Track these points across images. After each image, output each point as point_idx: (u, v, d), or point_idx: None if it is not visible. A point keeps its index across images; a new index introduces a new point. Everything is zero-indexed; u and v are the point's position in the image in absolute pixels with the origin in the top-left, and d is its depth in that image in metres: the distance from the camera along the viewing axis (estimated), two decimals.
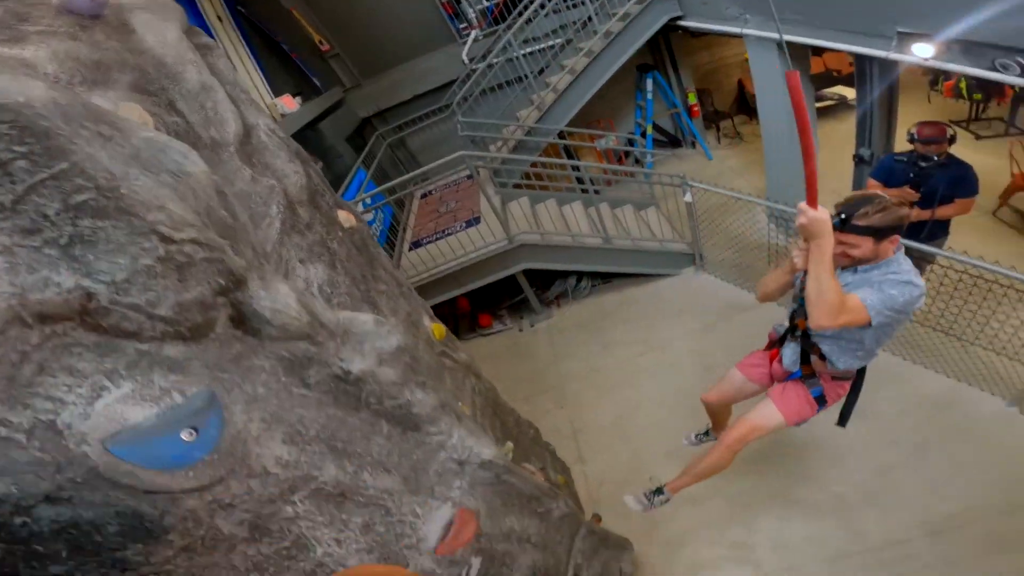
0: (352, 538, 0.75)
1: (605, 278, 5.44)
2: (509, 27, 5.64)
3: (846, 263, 1.64)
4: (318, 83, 6.20)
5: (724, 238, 4.80)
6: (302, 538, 0.69)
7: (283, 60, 5.98)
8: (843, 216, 1.55)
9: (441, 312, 5.61)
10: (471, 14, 6.46)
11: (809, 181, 1.40)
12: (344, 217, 1.29)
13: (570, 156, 6.93)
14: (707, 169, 6.83)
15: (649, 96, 6.95)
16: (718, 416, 2.55)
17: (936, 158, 2.99)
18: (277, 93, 4.90)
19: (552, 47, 5.69)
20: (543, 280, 5.68)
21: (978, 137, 5.98)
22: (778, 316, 4.06)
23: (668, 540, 3.02)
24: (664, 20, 5.00)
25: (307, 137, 5.43)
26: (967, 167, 2.97)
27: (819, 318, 1.50)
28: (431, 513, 0.94)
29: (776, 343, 2.12)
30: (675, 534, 3.04)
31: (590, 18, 5.26)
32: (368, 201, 5.05)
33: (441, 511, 0.97)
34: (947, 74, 6.39)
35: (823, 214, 1.44)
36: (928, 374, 3.35)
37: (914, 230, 3.13)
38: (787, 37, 3.58)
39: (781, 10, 3.59)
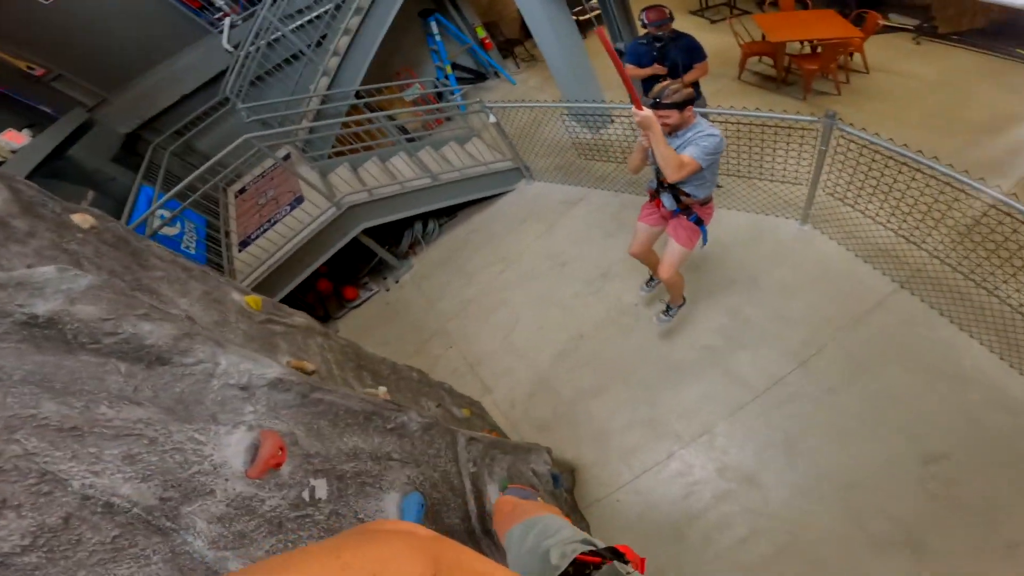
0: (114, 468, 0.78)
1: (450, 214, 5.59)
2: (266, 6, 5.20)
3: (668, 131, 2.39)
4: (48, 110, 5.24)
5: (543, 147, 5.19)
6: (48, 473, 0.71)
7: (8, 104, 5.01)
8: (656, 100, 2.33)
9: (307, 301, 5.45)
10: (219, 2, 5.80)
11: (630, 93, 2.20)
12: (80, 219, 1.28)
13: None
14: (513, 93, 7.19)
15: (438, 38, 6.99)
16: (649, 261, 3.17)
17: (666, 36, 3.56)
18: None
19: (323, 15, 5.38)
20: (394, 237, 5.69)
21: (712, 22, 7.07)
22: (604, 197, 4.69)
23: (593, 437, 3.28)
24: None
25: (59, 169, 4.77)
26: (692, 37, 3.59)
27: (671, 176, 2.33)
28: (221, 439, 0.97)
29: (655, 194, 2.84)
30: (597, 431, 3.30)
31: None
32: (164, 214, 4.55)
33: (235, 436, 1.00)
34: None
35: (646, 111, 2.22)
36: (733, 214, 4.01)
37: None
38: None
39: None
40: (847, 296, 3.27)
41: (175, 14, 5.80)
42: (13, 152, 4.16)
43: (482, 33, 7.51)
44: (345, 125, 5.34)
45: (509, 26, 8.29)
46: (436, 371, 4.14)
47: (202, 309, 1.47)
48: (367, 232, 5.08)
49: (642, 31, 3.68)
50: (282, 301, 4.93)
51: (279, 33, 5.39)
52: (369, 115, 5.14)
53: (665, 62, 3.61)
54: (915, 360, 2.90)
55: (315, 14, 5.48)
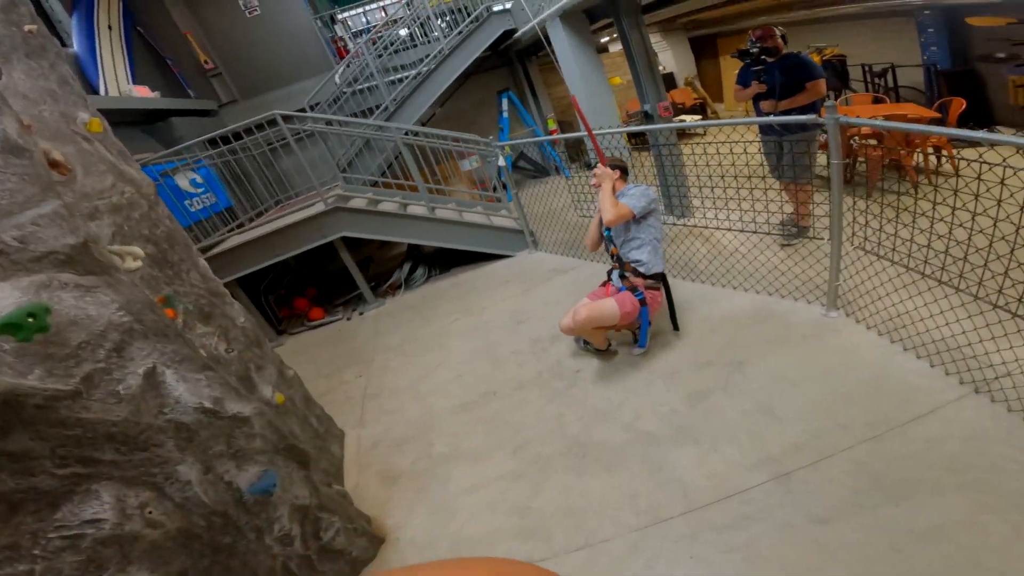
0: None
1: (442, 267, 5.26)
2: (378, 55, 6.20)
3: (615, 189, 2.74)
4: (192, 93, 6.50)
5: (556, 222, 4.97)
6: None
7: (164, 71, 6.45)
8: (610, 166, 2.77)
9: (271, 307, 5.15)
10: (350, 45, 7.13)
11: (596, 150, 2.84)
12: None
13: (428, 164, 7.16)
14: (563, 184, 7.21)
15: (505, 115, 7.44)
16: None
17: (774, 55, 3.40)
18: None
19: (409, 76, 6.21)
20: (385, 275, 5.43)
21: None
22: (596, 268, 4.09)
23: (435, 508, 2.30)
24: (500, 31, 5.70)
25: (155, 125, 5.65)
26: (799, 55, 3.37)
27: (607, 214, 2.60)
28: None
29: (608, 276, 2.92)
30: (443, 502, 2.31)
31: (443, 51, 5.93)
32: (196, 178, 5.02)
33: None
34: None
35: (605, 168, 2.74)
36: (733, 295, 3.18)
37: (772, 129, 3.49)
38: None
39: None
40: (883, 397, 2.13)
41: (319, 47, 7.06)
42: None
43: (552, 125, 7.86)
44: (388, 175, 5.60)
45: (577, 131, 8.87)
46: (331, 394, 3.61)
47: None
48: (361, 267, 4.90)
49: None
50: (249, 298, 4.87)
51: (375, 83, 6.12)
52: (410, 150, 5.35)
53: (764, 79, 3.47)
54: (988, 491, 1.62)
55: (410, 73, 6.14)
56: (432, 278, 5.17)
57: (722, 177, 3.33)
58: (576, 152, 8.54)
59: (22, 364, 1.19)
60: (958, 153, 4.19)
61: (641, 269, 2.69)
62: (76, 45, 5.13)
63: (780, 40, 3.41)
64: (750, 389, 2.39)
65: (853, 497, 1.75)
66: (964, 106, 4.49)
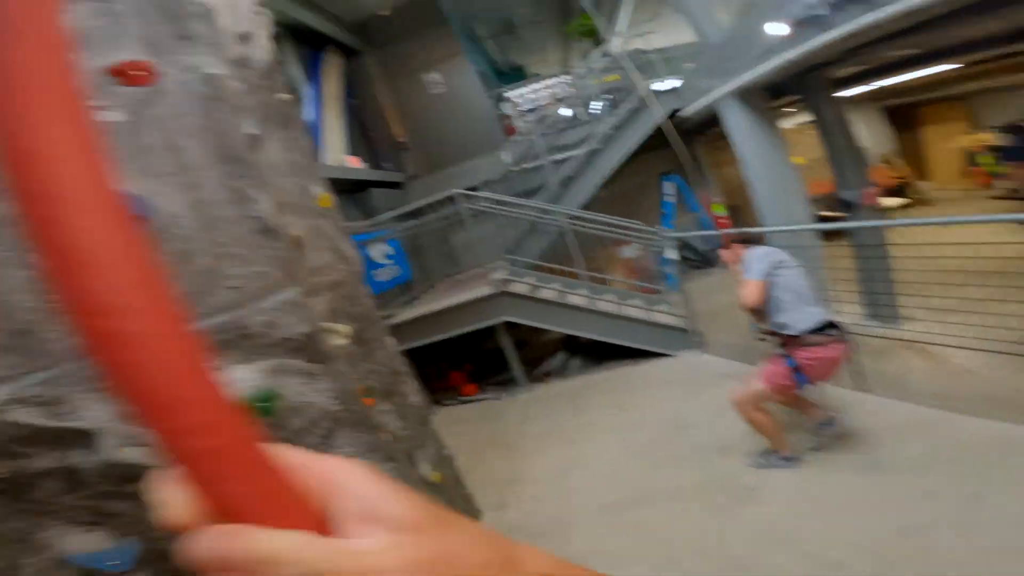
0: None
1: (598, 359, 5.05)
2: (543, 133, 6.57)
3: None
4: (386, 166, 7.44)
5: (728, 323, 4.52)
6: None
7: (366, 142, 7.44)
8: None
9: (431, 378, 5.46)
10: (519, 124, 7.66)
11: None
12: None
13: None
14: (728, 278, 6.57)
15: (668, 199, 7.17)
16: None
17: None
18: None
19: (575, 155, 6.37)
20: (538, 360, 5.42)
21: None
22: None
23: None
24: (668, 111, 5.63)
25: (356, 195, 6.41)
26: None
27: (743, 299, 2.54)
28: None
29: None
30: None
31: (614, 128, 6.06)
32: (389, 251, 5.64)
33: None
34: None
35: (726, 251, 2.92)
36: (970, 420, 2.52)
37: None
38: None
39: None
40: None
41: (493, 126, 7.63)
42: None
43: (720, 210, 7.35)
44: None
45: (754, 216, 8.04)
46: (473, 473, 3.49)
47: None
48: (518, 349, 4.98)
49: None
50: (412, 363, 5.23)
51: (541, 162, 6.43)
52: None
53: None
54: None
55: (573, 152, 6.34)
56: (586, 370, 5.01)
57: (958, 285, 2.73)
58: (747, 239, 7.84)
59: None
60: None
61: (787, 332, 2.45)
62: (307, 114, 5.72)
63: None
64: (983, 522, 1.83)
65: None
66: None
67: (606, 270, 5.89)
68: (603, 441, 3.48)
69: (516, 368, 4.99)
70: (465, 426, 4.49)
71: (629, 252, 6.58)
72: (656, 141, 7.81)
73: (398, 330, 4.80)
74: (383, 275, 5.60)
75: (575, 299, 4.65)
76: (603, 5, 7.76)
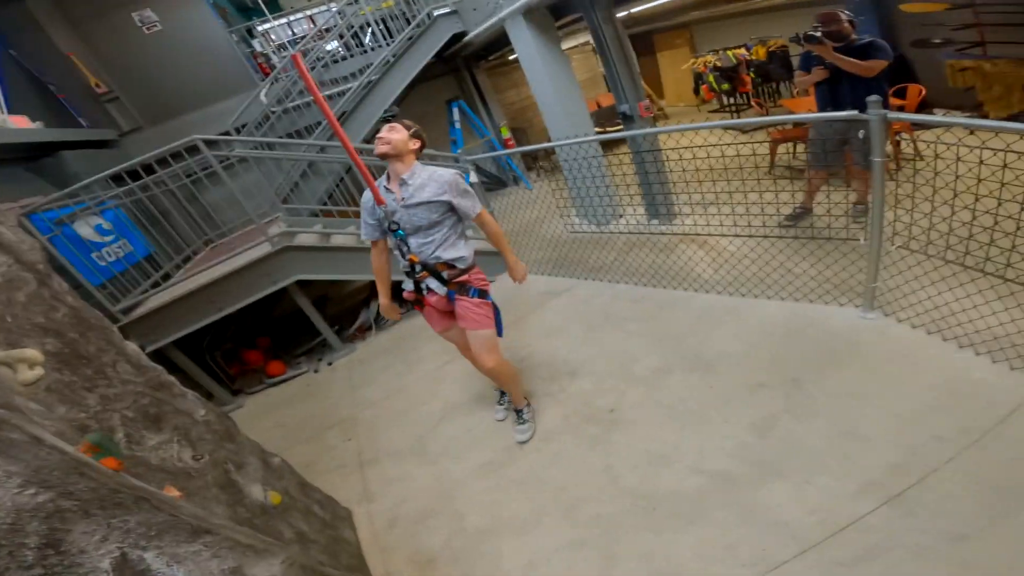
0: None
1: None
2: (310, 68, 5.58)
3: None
4: (84, 123, 5.50)
5: (539, 241, 4.74)
6: None
7: (45, 97, 5.38)
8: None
9: (220, 365, 4.46)
10: (275, 60, 6.44)
11: (369, 185, 2.23)
12: None
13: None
14: (525, 195, 6.85)
15: (456, 125, 7.10)
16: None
17: (842, 40, 3.19)
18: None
19: (352, 89, 5.67)
20: (351, 317, 4.86)
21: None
22: (595, 288, 3.81)
23: None
24: (448, 35, 5.31)
25: (38, 163, 4.64)
26: (871, 41, 3.14)
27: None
28: None
29: (417, 297, 2.34)
30: None
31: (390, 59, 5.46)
32: (102, 224, 4.20)
33: None
34: None
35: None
36: (755, 304, 2.97)
37: (838, 102, 3.29)
38: None
39: None
40: (962, 400, 1.98)
41: (239, 66, 6.29)
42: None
43: (506, 133, 7.56)
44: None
45: (536, 136, 8.48)
46: (317, 464, 3.07)
47: None
48: (319, 308, 4.32)
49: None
50: (190, 358, 4.16)
51: (308, 100, 5.55)
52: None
53: (830, 67, 3.29)
54: None
55: (346, 87, 5.64)
56: (406, 313, 4.67)
57: (714, 181, 3.23)
58: (533, 160, 8.26)
59: None
60: (918, 136, 4.31)
61: (452, 262, 2.21)
62: None
63: (847, 25, 3.22)
64: (819, 409, 2.17)
65: (980, 509, 1.58)
66: (924, 93, 4.60)
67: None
68: (448, 395, 3.24)
69: (324, 330, 4.41)
70: (285, 413, 3.82)
71: None
72: (438, 69, 7.42)
73: (149, 324, 3.74)
74: (107, 256, 4.22)
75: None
76: None
